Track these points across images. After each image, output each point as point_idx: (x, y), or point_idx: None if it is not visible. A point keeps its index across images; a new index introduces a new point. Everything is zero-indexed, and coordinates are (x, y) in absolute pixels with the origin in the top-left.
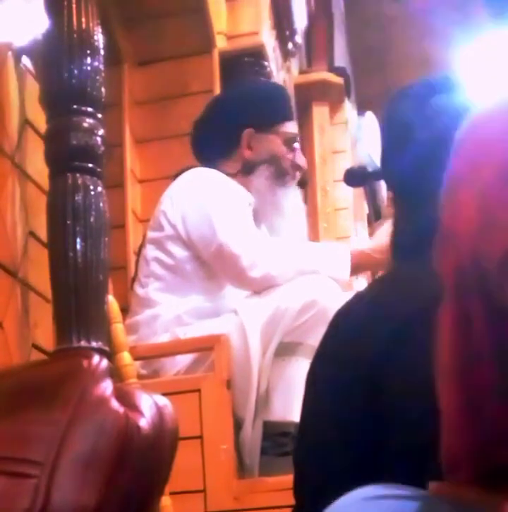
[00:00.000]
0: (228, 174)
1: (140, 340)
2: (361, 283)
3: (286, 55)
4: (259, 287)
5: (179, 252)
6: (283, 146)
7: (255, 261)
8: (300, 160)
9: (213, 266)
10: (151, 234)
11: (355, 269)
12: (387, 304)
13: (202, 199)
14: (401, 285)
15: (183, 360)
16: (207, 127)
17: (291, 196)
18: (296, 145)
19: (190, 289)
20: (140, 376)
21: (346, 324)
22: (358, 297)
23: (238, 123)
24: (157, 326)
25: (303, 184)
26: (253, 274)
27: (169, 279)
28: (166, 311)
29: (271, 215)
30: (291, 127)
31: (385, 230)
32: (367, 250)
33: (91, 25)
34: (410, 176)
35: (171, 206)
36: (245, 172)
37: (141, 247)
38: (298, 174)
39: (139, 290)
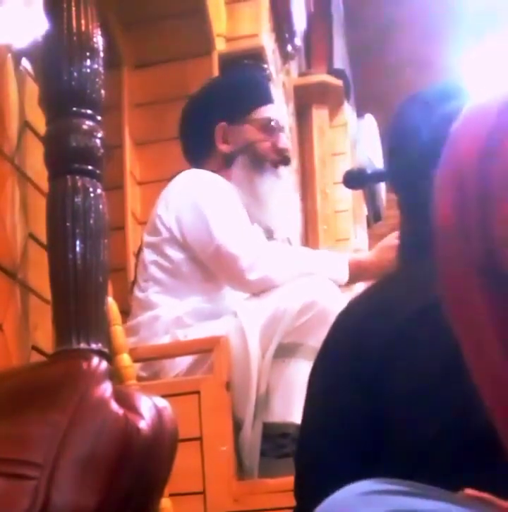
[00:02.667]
0: (213, 172)
1: (141, 341)
2: (361, 285)
3: (286, 57)
4: (257, 289)
5: (176, 254)
6: (260, 132)
7: (253, 263)
8: (282, 143)
9: (211, 267)
10: (147, 238)
11: (351, 279)
12: (388, 304)
13: (196, 200)
14: (401, 285)
15: (183, 361)
16: (186, 129)
17: (270, 183)
18: (276, 127)
19: (189, 291)
20: (139, 379)
21: (346, 325)
22: (359, 298)
23: (211, 119)
24: (158, 327)
25: (286, 162)
26: (251, 276)
27: (168, 282)
28: (167, 312)
29: (252, 205)
30: (265, 111)
31: (385, 244)
32: (365, 261)
33: (90, 27)
34: (413, 178)
35: (166, 209)
36: (225, 166)
37: (139, 251)
38: (280, 156)
39: (139, 294)
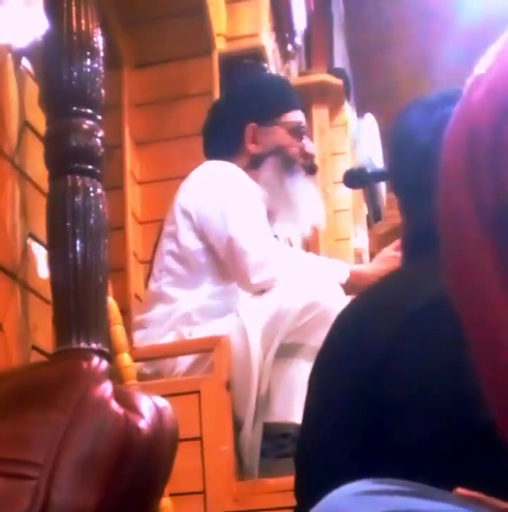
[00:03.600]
0: None
1: (148, 336)
2: None
3: (286, 57)
4: (260, 288)
5: (193, 243)
6: (289, 136)
7: (261, 261)
8: (309, 148)
9: (223, 259)
10: (167, 228)
11: (350, 289)
12: (388, 304)
13: (216, 191)
14: (402, 285)
15: (185, 360)
16: (213, 128)
17: (300, 184)
18: (304, 132)
19: (203, 282)
20: (142, 376)
21: (346, 324)
22: (360, 298)
23: (241, 119)
24: (165, 323)
25: (312, 170)
26: (256, 274)
27: (182, 273)
28: (176, 309)
29: (281, 206)
30: (295, 116)
31: (384, 255)
32: (365, 272)
33: (91, 26)
34: (414, 178)
35: (186, 197)
36: (253, 167)
37: (157, 242)
38: (308, 161)
39: (152, 284)
